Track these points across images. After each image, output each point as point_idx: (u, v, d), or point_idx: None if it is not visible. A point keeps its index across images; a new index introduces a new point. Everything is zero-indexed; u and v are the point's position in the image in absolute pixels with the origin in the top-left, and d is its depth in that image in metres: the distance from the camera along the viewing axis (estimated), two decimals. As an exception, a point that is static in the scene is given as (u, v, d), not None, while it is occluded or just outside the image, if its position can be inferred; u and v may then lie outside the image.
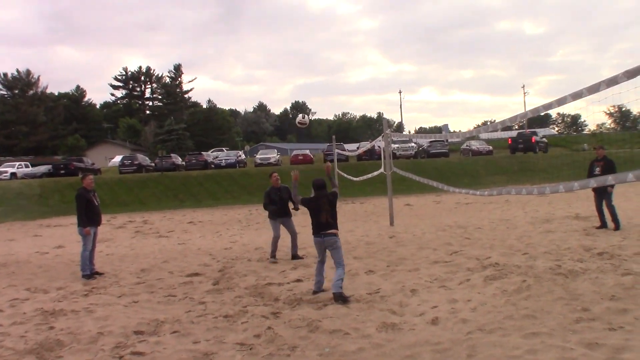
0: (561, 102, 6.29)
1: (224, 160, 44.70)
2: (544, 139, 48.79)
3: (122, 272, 10.72)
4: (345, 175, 25.38)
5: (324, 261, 8.13)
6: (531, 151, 43.56)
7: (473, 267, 9.00)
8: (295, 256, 11.11)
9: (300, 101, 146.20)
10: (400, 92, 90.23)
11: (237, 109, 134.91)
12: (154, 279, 9.80)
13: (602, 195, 12.27)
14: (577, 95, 5.96)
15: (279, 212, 11.16)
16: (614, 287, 7.30)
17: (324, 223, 7.86)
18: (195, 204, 29.45)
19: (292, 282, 8.84)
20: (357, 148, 39.49)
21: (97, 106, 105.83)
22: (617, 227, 12.09)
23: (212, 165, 44.32)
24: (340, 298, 7.36)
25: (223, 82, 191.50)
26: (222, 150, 58.15)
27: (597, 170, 12.10)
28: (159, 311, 7.49)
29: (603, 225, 12.41)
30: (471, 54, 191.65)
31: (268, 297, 7.91)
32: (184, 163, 45.51)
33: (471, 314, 6.45)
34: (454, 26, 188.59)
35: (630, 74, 5.07)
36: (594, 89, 5.63)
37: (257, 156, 47.92)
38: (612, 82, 5.35)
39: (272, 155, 46.17)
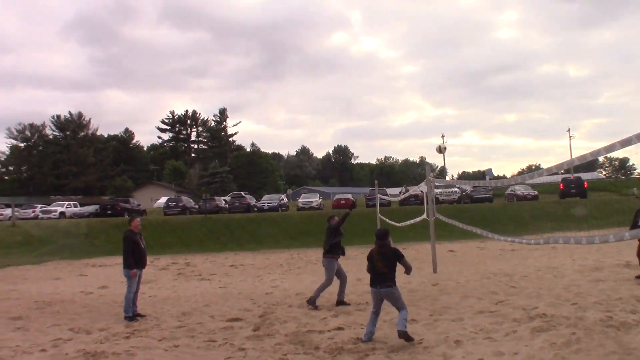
0: (609, 149, 6.17)
1: (266, 204, 44.95)
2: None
3: (163, 314, 10.76)
4: (388, 220, 25.20)
5: (378, 312, 8.08)
6: (583, 196, 42.62)
7: (519, 318, 8.73)
8: (341, 302, 10.95)
9: (343, 145, 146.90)
10: (442, 137, 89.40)
11: (280, 153, 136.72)
12: (195, 323, 9.78)
13: None
14: (626, 142, 5.83)
15: (341, 249, 11.22)
16: (670, 341, 7.00)
17: (380, 274, 7.83)
18: (237, 247, 29.59)
19: (334, 330, 8.69)
20: (400, 193, 39.31)
21: (145, 148, 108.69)
22: None
23: (255, 209, 44.63)
24: (405, 336, 7.45)
25: (266, 126, 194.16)
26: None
27: None
28: (199, 356, 7.47)
29: None
30: (514, 97, 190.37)
31: (308, 345, 7.80)
32: (227, 206, 45.94)
33: (519, 368, 6.23)
34: (495, 70, 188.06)
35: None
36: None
37: (300, 200, 48.08)
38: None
39: (315, 199, 46.25)
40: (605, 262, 15.22)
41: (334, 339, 8.10)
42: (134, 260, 10.39)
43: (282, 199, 48.57)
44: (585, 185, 44.46)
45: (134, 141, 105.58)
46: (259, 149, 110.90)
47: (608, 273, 13.24)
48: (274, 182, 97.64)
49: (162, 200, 55.57)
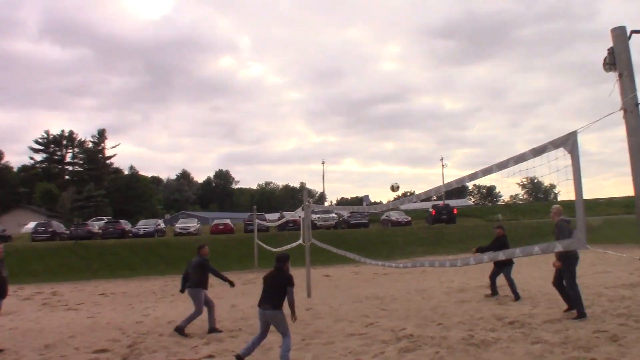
0: (472, 177, 6.53)
1: (142, 229, 43.49)
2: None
3: (24, 348, 9.98)
4: (265, 245, 25.15)
5: (264, 336, 8.06)
6: (452, 222, 44.82)
7: (388, 339, 8.94)
8: (213, 329, 10.67)
9: (224, 169, 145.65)
10: (323, 163, 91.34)
11: (160, 177, 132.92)
12: (58, 356, 9.18)
13: (501, 267, 12.87)
14: (487, 171, 6.19)
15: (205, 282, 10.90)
16: (523, 356, 7.44)
17: (269, 296, 7.83)
18: (109, 274, 28.34)
19: (205, 359, 8.47)
20: (278, 218, 39.45)
21: (15, 169, 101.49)
22: (516, 298, 12.54)
23: (130, 234, 43.07)
24: None
25: (147, 149, 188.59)
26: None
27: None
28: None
29: (494, 293, 13.10)
30: (393, 127, 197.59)
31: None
32: (100, 231, 44.07)
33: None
34: (376, 100, 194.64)
35: (536, 152, 5.31)
36: (503, 165, 5.85)
37: (177, 225, 47.00)
38: (520, 159, 5.58)
39: (192, 225, 45.33)
40: (470, 284, 15.99)
41: (203, 367, 7.89)
42: None
43: (159, 224, 47.22)
44: (455, 212, 46.95)
45: (4, 161, 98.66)
46: (138, 172, 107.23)
47: (472, 294, 13.91)
48: (152, 206, 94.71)
49: (31, 225, 52.28)
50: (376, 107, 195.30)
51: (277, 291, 7.79)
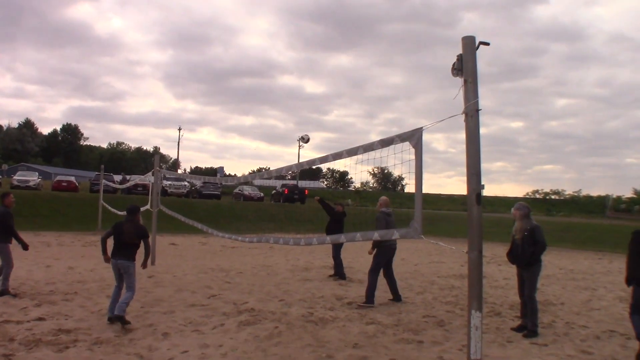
0: (323, 160, 6.73)
1: (-28, 179, 40.25)
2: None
3: None
4: (110, 208, 24.27)
5: (120, 286, 8.22)
6: (302, 202, 45.81)
7: (229, 312, 9.04)
8: (4, 292, 9.77)
9: (73, 124, 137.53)
10: (179, 130, 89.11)
11: (0, 123, 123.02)
12: None
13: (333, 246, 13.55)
14: (337, 156, 6.42)
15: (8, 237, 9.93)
16: (358, 335, 7.84)
17: (123, 247, 8.10)
18: None
19: (33, 321, 8.00)
20: (121, 181, 38.16)
21: None
22: (341, 277, 13.41)
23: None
24: (120, 320, 7.66)
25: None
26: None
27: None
28: None
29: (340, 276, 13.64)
30: (253, 101, 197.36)
31: (2, 337, 7.08)
32: None
33: (221, 360, 6.45)
34: (239, 73, 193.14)
35: (384, 143, 5.58)
36: (353, 152, 6.10)
37: (15, 177, 43.89)
38: (369, 148, 5.84)
39: (32, 179, 42.48)
40: (315, 264, 16.48)
41: (33, 330, 7.48)
42: None
43: (-6, 175, 43.95)
44: (307, 193, 48.10)
45: None
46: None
47: (315, 273, 14.36)
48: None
49: None
50: (238, 79, 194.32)
51: (131, 243, 8.13)
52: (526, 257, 8.17)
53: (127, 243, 8.12)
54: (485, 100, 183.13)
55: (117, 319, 7.68)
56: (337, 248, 13.54)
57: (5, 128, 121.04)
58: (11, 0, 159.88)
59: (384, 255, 10.44)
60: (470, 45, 4.60)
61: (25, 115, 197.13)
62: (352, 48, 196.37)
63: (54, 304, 9.25)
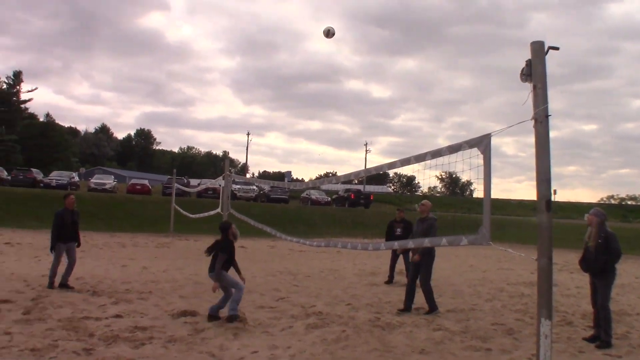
0: (391, 166, 6.76)
1: (55, 180, 42.06)
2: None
3: None
4: (182, 210, 24.95)
5: (227, 295, 8.68)
6: (367, 207, 45.85)
7: (297, 315, 9.19)
8: (65, 285, 10.75)
9: (146, 129, 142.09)
10: (248, 134, 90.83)
11: (78, 128, 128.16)
12: (-43, 305, 8.94)
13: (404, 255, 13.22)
14: (405, 162, 6.43)
15: (68, 236, 11.05)
16: (425, 341, 7.83)
17: (211, 262, 8.89)
18: (16, 223, 27.26)
19: (111, 318, 8.41)
20: (198, 184, 39.14)
21: None
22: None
23: (42, 184, 41.59)
24: (233, 319, 8.26)
25: (66, 98, 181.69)
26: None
27: (399, 231, 13.26)
28: (-43, 339, 6.84)
29: (390, 280, 13.56)
30: (320, 106, 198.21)
31: (83, 332, 7.47)
32: (9, 178, 42.32)
33: (290, 361, 6.59)
34: (306, 78, 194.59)
35: (452, 150, 5.57)
36: (421, 158, 6.10)
37: (92, 180, 45.71)
38: (437, 154, 5.83)
39: (108, 182, 44.21)
40: (382, 268, 16.45)
41: (111, 326, 7.86)
42: None
43: (73, 177, 45.78)
44: (372, 198, 48.16)
45: None
46: (54, 120, 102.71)
47: (382, 278, 14.36)
48: (66, 158, 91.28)
49: None
50: (305, 85, 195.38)
51: (215, 257, 8.78)
52: (599, 265, 7.94)
53: (213, 258, 8.93)
54: (555, 102, 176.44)
55: (230, 319, 8.26)
56: (407, 255, 13.30)
57: (82, 133, 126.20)
58: (87, 11, 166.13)
59: (433, 261, 10.22)
60: (539, 50, 4.56)
61: (101, 120, 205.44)
62: (418, 51, 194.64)
63: (130, 302, 9.66)
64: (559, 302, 11.70)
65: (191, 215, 22.85)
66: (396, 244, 7.34)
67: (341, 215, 38.65)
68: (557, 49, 4.64)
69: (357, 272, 15.52)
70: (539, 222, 4.58)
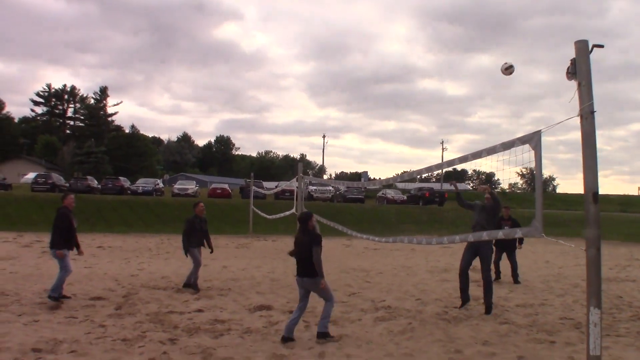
0: (462, 159, 6.91)
1: (141, 187, 44.07)
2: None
3: (24, 291, 10.65)
4: (260, 212, 25.74)
5: (304, 306, 7.69)
6: (441, 205, 45.64)
7: (367, 309, 9.56)
8: (190, 285, 11.32)
9: (225, 135, 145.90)
10: (324, 137, 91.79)
11: (161, 137, 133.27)
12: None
13: (505, 250, 13.28)
14: (463, 159, 6.66)
15: (199, 240, 11.47)
16: (489, 333, 8.03)
17: (300, 261, 7.49)
18: (106, 228, 28.94)
19: (194, 312, 9.09)
20: (276, 187, 40.02)
21: (16, 120, 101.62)
22: (515, 281, 13.18)
23: (129, 192, 43.69)
24: (324, 336, 7.36)
25: (149, 110, 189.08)
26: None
27: (506, 228, 13.18)
28: (59, 331, 7.60)
29: (497, 277, 13.36)
30: (394, 107, 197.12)
31: (168, 325, 8.15)
32: (99, 186, 44.65)
33: (356, 350, 6.96)
34: (379, 80, 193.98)
35: (506, 146, 5.76)
36: (477, 155, 6.34)
37: (175, 186, 47.57)
38: (492, 151, 6.02)
39: (191, 187, 45.92)
40: (454, 265, 16.46)
41: (193, 319, 8.52)
42: None
43: (158, 184, 47.79)
44: (446, 196, 48.16)
45: (4, 111, 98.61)
46: (139, 131, 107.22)
47: (454, 275, 14.37)
48: (151, 166, 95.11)
49: (31, 175, 52.93)
50: (379, 86, 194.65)
51: (309, 255, 7.34)
52: None
53: (303, 257, 7.43)
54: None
55: (322, 336, 7.35)
56: (513, 253, 13.52)
57: (166, 142, 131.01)
58: (165, 25, 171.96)
59: (492, 253, 10.27)
60: (583, 48, 4.75)
61: (183, 129, 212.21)
62: (493, 47, 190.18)
63: (210, 298, 10.32)
64: (634, 297, 11.55)
65: (268, 217, 23.58)
66: (457, 238, 7.50)
67: (417, 214, 38.66)
68: (601, 46, 4.82)
69: (430, 269, 15.71)
70: (586, 214, 4.78)
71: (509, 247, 13.27)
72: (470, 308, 9.95)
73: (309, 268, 7.34)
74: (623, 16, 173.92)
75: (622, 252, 22.41)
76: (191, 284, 11.25)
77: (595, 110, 4.73)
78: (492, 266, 13.41)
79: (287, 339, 7.34)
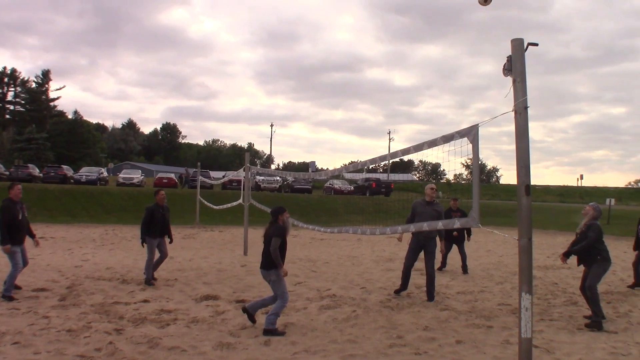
0: (405, 152, 7.11)
1: (84, 176, 43.12)
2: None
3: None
4: (207, 202, 25.64)
5: (274, 297, 7.70)
6: (387, 195, 46.30)
7: (312, 297, 9.74)
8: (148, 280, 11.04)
9: (172, 123, 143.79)
10: (272, 126, 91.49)
11: (105, 124, 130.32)
12: (-3, 292, 9.63)
13: (455, 242, 13.68)
14: (418, 148, 6.71)
15: (160, 231, 11.21)
16: (430, 319, 8.33)
17: (263, 255, 7.77)
18: (49, 219, 28.26)
19: (139, 303, 9.07)
20: (223, 177, 39.89)
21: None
22: (465, 271, 13.54)
23: (72, 180, 42.71)
24: (269, 334, 7.24)
25: (93, 95, 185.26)
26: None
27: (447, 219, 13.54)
28: (1, 323, 7.48)
29: (443, 266, 13.78)
30: (343, 96, 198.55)
31: (113, 315, 8.11)
32: (41, 175, 43.51)
33: (301, 338, 7.13)
34: (328, 68, 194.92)
35: (446, 139, 5.98)
36: (419, 147, 6.55)
37: (120, 175, 46.77)
38: (433, 143, 6.22)
39: (136, 176, 45.16)
40: (399, 255, 16.89)
41: (139, 310, 8.51)
42: None
43: (102, 173, 46.86)
44: (392, 186, 49.51)
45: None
46: (82, 117, 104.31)
47: (399, 264, 14.74)
48: (95, 154, 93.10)
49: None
50: (327, 74, 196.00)
51: (268, 248, 7.63)
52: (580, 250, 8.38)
53: (265, 249, 7.73)
54: (582, 86, 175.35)
55: (266, 333, 7.24)
56: (462, 244, 13.93)
57: (110, 129, 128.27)
58: (110, 8, 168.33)
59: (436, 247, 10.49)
60: (519, 47, 4.99)
61: (128, 116, 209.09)
62: (440, 38, 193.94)
63: (156, 289, 10.31)
64: (568, 284, 12.07)
65: (215, 207, 23.51)
66: (400, 228, 7.76)
67: (363, 204, 39.07)
68: (536, 45, 5.06)
69: (375, 259, 16.02)
70: (519, 205, 5.03)
71: (460, 240, 13.67)
72: (413, 296, 10.26)
73: (265, 260, 7.66)
74: (565, 11, 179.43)
75: (559, 241, 23.25)
76: (148, 277, 11.00)
77: (528, 105, 4.97)
78: (440, 257, 13.84)
79: (246, 310, 7.69)
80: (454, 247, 13.80)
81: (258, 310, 7.93)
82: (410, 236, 10.43)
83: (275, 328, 7.35)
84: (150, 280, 10.83)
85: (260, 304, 7.83)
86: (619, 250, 18.92)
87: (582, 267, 8.68)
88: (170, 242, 11.57)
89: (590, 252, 8.33)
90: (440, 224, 6.54)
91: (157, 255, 11.17)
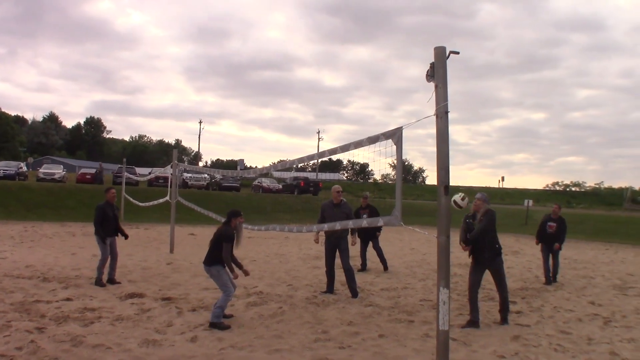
0: (332, 152, 7.33)
1: (2, 171, 41.36)
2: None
3: None
4: (132, 199, 25.19)
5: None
6: (315, 194, 46.75)
7: (239, 295, 9.77)
8: (113, 280, 10.75)
9: (96, 117, 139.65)
10: (200, 122, 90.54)
11: (25, 117, 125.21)
12: None
13: (369, 239, 13.90)
14: (345, 148, 6.89)
15: (112, 230, 10.94)
16: (355, 315, 8.57)
17: (207, 253, 8.13)
18: (-38, 215, 27.10)
19: (62, 301, 8.86)
20: (149, 173, 39.18)
21: None
22: (385, 267, 13.80)
23: (-12, 176, 40.88)
24: (216, 327, 7.45)
25: (12, 86, 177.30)
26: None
27: (365, 217, 13.73)
28: None
29: (363, 268, 13.87)
30: (272, 94, 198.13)
31: (34, 314, 7.92)
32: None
33: (227, 334, 7.20)
34: (258, 66, 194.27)
35: (372, 140, 6.18)
36: (346, 148, 6.74)
37: (41, 170, 45.12)
38: (359, 144, 6.43)
39: (57, 171, 43.64)
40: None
41: (62, 308, 8.32)
42: None
43: (21, 167, 45.07)
44: (320, 185, 49.99)
45: None
46: (0, 109, 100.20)
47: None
48: (13, 147, 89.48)
49: None
50: (257, 72, 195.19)
51: (212, 246, 8.00)
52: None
53: (210, 246, 8.09)
54: (505, 91, 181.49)
55: (213, 326, 7.47)
56: (376, 241, 14.12)
57: (30, 122, 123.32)
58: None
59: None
60: (441, 54, 5.22)
61: (50, 109, 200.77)
62: (371, 40, 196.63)
63: (79, 287, 10.11)
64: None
65: (141, 204, 23.14)
66: (326, 226, 7.99)
67: (291, 202, 39.28)
68: (457, 53, 5.31)
69: (302, 257, 16.20)
70: (439, 205, 5.27)
71: (372, 236, 13.93)
72: (339, 293, 10.48)
73: (207, 256, 8.01)
74: (491, 19, 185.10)
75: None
76: (110, 278, 10.74)
77: (449, 110, 5.23)
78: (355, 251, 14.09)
79: (214, 325, 7.54)
80: (370, 244, 14.07)
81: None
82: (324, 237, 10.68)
83: (220, 322, 7.55)
84: (100, 281, 10.50)
85: (217, 308, 7.67)
86: (536, 249, 19.79)
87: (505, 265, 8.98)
88: (126, 238, 11.35)
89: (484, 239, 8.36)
90: (351, 223, 6.77)
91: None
